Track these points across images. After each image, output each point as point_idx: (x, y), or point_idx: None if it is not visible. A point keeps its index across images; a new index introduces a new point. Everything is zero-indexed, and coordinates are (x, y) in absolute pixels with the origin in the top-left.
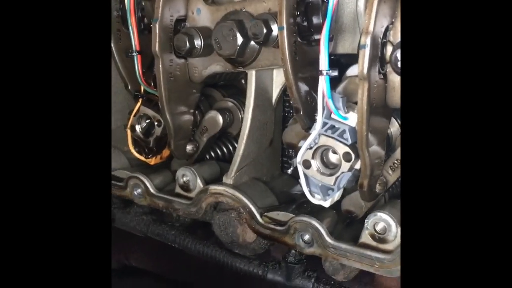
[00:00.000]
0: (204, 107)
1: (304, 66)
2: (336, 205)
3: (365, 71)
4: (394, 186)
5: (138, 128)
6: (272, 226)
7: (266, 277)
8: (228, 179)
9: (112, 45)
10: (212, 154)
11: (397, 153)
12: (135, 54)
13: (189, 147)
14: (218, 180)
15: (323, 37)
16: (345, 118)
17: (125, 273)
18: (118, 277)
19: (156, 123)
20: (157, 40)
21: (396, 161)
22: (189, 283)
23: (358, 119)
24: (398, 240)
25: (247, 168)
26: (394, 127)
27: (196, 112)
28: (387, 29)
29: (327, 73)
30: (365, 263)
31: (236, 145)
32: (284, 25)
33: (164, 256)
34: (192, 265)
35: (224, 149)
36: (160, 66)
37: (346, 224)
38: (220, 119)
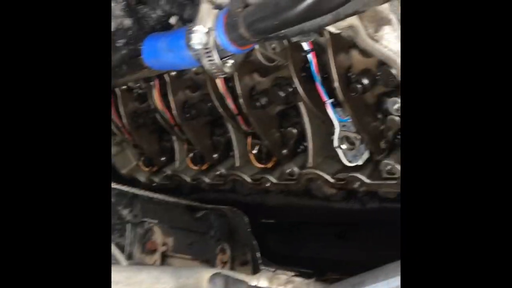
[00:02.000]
0: (285, 124)
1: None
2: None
3: (342, 98)
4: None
5: (254, 151)
6: (339, 182)
7: (352, 208)
8: (309, 163)
9: (224, 113)
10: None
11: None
12: (236, 116)
13: (284, 151)
14: (306, 165)
15: (317, 83)
16: (347, 119)
17: None
18: None
19: (262, 146)
20: (245, 106)
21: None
22: None
23: (351, 119)
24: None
25: (318, 153)
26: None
27: (281, 129)
28: (348, 68)
29: (328, 102)
30: (389, 187)
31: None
32: (297, 82)
33: None
34: None
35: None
36: (251, 118)
37: None
38: (294, 130)
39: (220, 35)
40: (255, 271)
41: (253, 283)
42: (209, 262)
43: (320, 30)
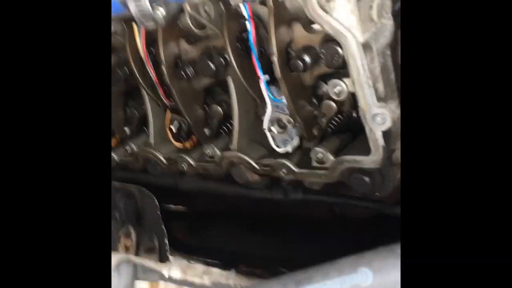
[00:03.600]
0: (209, 101)
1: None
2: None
3: (280, 74)
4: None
5: (172, 127)
6: (264, 168)
7: (273, 197)
8: (233, 146)
9: (142, 82)
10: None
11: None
12: (156, 85)
13: (206, 131)
14: (229, 148)
15: (254, 56)
16: (281, 100)
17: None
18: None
19: (182, 123)
20: (167, 76)
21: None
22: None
23: (286, 100)
24: (330, 160)
25: (243, 135)
26: (323, 88)
27: (205, 106)
28: (289, 44)
29: (262, 78)
30: (317, 177)
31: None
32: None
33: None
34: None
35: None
36: (173, 89)
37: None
38: (220, 109)
39: None
40: (162, 259)
41: (165, 272)
42: None
43: None
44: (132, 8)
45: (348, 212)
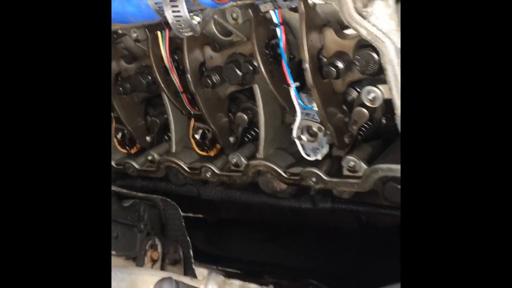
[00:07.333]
0: (234, 109)
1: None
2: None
3: (311, 82)
4: (359, 135)
5: (196, 136)
6: (292, 177)
7: (301, 207)
8: (259, 154)
9: (165, 90)
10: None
11: (354, 112)
12: (181, 93)
13: (231, 139)
14: (255, 156)
15: (284, 63)
16: (311, 108)
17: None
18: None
19: (206, 131)
20: (192, 83)
21: (354, 119)
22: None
23: (317, 107)
24: (363, 169)
25: (270, 143)
26: (354, 94)
27: (230, 114)
28: (320, 50)
29: (293, 85)
30: (349, 186)
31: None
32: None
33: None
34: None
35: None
36: (198, 97)
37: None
38: (245, 116)
39: None
40: (187, 270)
41: None
42: (135, 259)
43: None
44: (169, 16)
45: (375, 220)
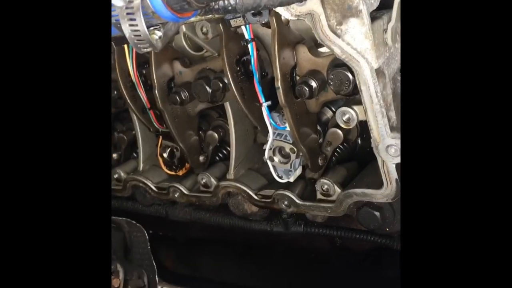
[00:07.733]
0: (204, 126)
1: (251, 101)
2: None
3: (283, 101)
4: (333, 157)
5: (164, 155)
6: (263, 200)
7: (273, 230)
8: (230, 175)
9: (132, 106)
10: (220, 156)
11: (329, 133)
12: (148, 110)
13: (201, 158)
14: (225, 176)
15: (255, 81)
16: (284, 128)
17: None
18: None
19: (175, 149)
20: (159, 100)
21: (328, 140)
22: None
23: (289, 128)
24: (337, 193)
25: (241, 164)
26: (328, 114)
27: (200, 132)
28: (293, 68)
29: (264, 104)
30: (322, 211)
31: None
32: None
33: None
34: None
35: (226, 152)
36: (166, 115)
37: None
38: (216, 134)
39: None
40: None
41: None
42: None
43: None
44: (126, 31)
45: (350, 243)
